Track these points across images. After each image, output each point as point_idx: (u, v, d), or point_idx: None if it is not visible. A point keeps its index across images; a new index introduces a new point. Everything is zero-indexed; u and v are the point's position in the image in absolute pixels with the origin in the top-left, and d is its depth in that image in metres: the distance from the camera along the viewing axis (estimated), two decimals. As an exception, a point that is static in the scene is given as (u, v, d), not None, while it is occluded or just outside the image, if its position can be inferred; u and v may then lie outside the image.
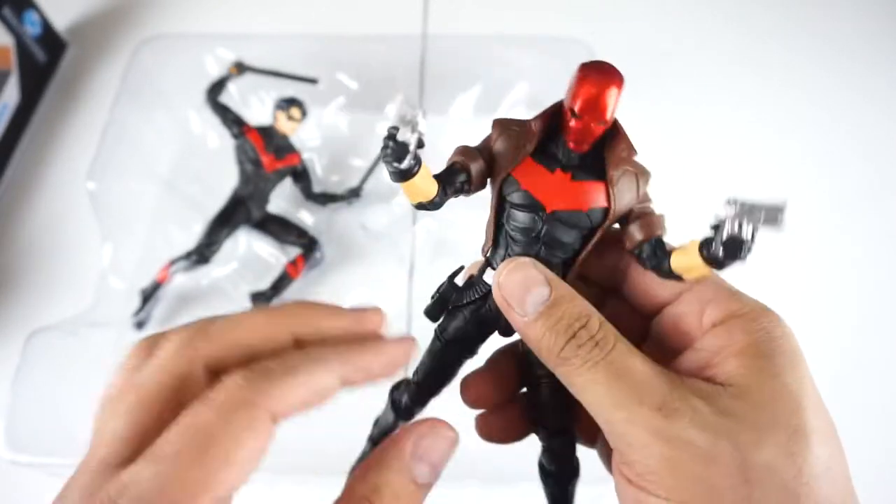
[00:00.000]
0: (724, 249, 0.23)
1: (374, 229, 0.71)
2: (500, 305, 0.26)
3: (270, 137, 0.68)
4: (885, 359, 0.64)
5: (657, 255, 0.27)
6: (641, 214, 0.28)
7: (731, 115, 0.79)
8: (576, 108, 0.25)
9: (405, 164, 0.24)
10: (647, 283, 0.28)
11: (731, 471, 0.21)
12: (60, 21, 0.85)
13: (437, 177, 0.27)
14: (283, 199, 0.72)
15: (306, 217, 0.72)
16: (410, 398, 0.31)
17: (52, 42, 0.83)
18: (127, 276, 0.67)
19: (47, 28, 0.81)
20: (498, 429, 0.31)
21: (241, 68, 0.71)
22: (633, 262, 0.28)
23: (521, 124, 0.28)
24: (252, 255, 0.70)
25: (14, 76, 0.76)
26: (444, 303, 0.30)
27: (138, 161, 0.71)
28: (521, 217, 0.27)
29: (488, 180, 0.28)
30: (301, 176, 0.71)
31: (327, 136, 0.77)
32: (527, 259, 0.27)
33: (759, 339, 0.24)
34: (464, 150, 0.28)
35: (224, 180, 0.69)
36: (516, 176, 0.27)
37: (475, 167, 0.27)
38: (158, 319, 0.66)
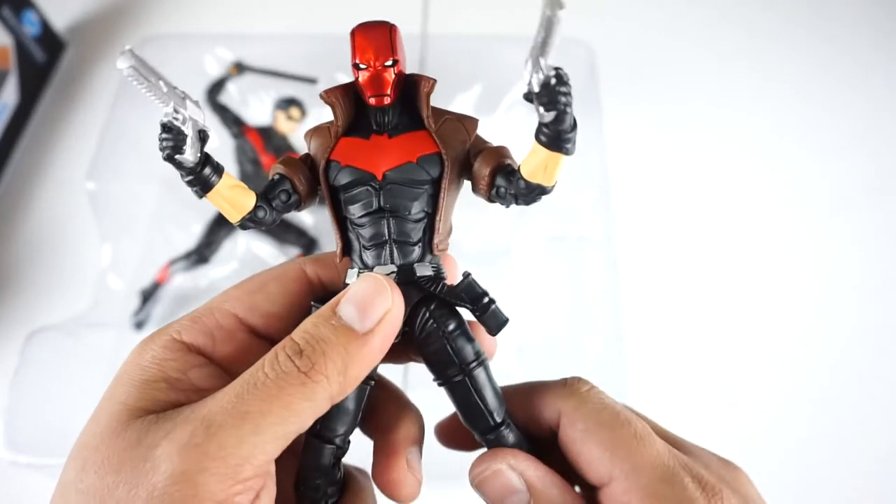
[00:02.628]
0: (544, 103, 0.21)
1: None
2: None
3: (270, 137, 0.68)
4: (884, 359, 0.64)
5: (512, 180, 0.25)
6: (480, 151, 0.26)
7: (731, 115, 0.79)
8: (358, 60, 0.25)
9: (189, 154, 0.23)
10: (577, 459, 0.26)
11: None
12: (59, 21, 0.85)
13: (258, 194, 0.26)
14: (282, 199, 0.72)
15: (306, 217, 0.72)
16: (335, 459, 0.27)
17: (52, 42, 0.82)
18: (126, 276, 0.67)
19: (46, 28, 0.81)
20: (457, 438, 0.31)
21: (240, 68, 0.71)
22: (566, 422, 0.26)
23: (331, 121, 0.27)
24: (252, 255, 0.70)
25: (13, 76, 0.76)
26: None
27: (138, 161, 0.71)
28: (356, 196, 0.26)
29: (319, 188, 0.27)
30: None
31: (327, 136, 0.77)
32: (502, 466, 0.26)
33: None
34: (283, 160, 0.27)
35: (224, 180, 0.69)
36: (335, 158, 0.26)
37: (297, 175, 0.26)
38: (158, 319, 0.66)
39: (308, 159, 0.27)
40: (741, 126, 0.79)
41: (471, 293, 0.26)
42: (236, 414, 0.21)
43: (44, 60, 0.81)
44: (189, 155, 0.23)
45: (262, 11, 0.89)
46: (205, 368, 0.25)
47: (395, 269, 0.26)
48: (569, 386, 0.27)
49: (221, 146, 0.75)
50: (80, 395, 0.60)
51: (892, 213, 0.72)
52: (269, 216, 0.26)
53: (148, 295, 0.64)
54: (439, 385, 0.27)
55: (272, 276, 0.28)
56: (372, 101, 0.25)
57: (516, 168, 0.25)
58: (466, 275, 0.26)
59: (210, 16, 0.88)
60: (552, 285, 0.67)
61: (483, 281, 0.27)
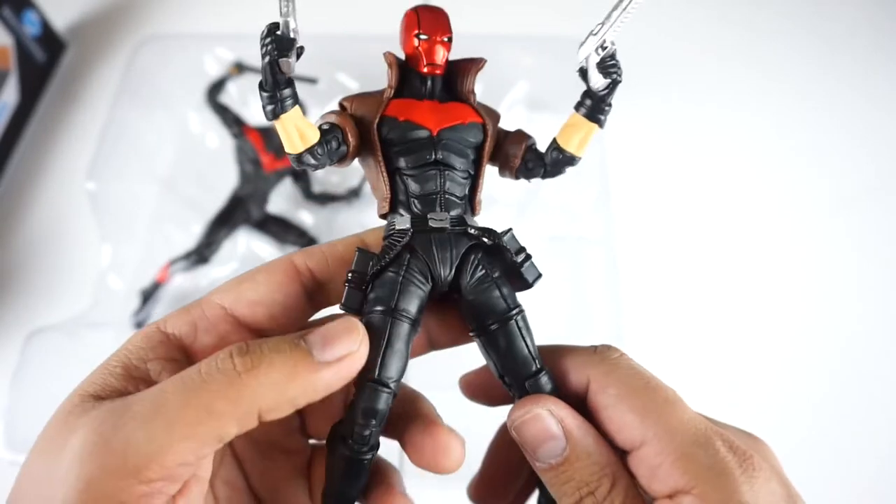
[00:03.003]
0: (604, 71, 0.26)
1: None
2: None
3: (270, 137, 0.68)
4: (883, 359, 0.64)
5: (539, 154, 0.29)
6: (507, 135, 0.30)
7: (731, 115, 0.79)
8: (422, 30, 0.28)
9: (293, 58, 0.24)
10: (607, 424, 0.26)
11: None
12: (60, 21, 0.85)
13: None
14: (283, 199, 0.72)
15: (306, 217, 0.72)
16: (384, 405, 0.26)
17: (52, 42, 0.82)
18: (126, 276, 0.67)
19: (46, 28, 0.81)
20: (483, 390, 0.31)
21: (240, 68, 0.71)
22: (597, 388, 0.26)
23: (371, 91, 0.29)
24: (252, 255, 0.70)
25: (13, 76, 0.76)
26: (364, 280, 0.27)
27: (138, 161, 0.71)
28: (411, 148, 0.28)
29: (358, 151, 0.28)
30: (301, 176, 0.71)
31: (327, 136, 0.77)
32: (543, 411, 0.25)
33: None
34: (333, 112, 0.28)
35: (224, 180, 0.69)
36: (391, 114, 0.28)
37: (349, 126, 0.27)
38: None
39: (351, 117, 0.28)
40: (741, 126, 0.79)
41: (514, 245, 0.28)
42: (152, 407, 0.20)
43: (44, 60, 0.81)
44: (289, 65, 0.24)
45: (262, 11, 0.89)
46: (169, 364, 0.24)
47: (449, 216, 0.28)
48: (599, 353, 0.27)
49: (222, 146, 0.75)
50: (80, 395, 0.60)
51: (892, 213, 0.72)
52: (324, 158, 0.27)
53: (148, 295, 0.64)
54: (478, 335, 0.28)
55: (261, 268, 0.28)
56: (426, 69, 0.28)
57: (535, 146, 0.29)
58: (509, 229, 0.29)
59: (210, 16, 0.88)
60: (552, 285, 0.67)
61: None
